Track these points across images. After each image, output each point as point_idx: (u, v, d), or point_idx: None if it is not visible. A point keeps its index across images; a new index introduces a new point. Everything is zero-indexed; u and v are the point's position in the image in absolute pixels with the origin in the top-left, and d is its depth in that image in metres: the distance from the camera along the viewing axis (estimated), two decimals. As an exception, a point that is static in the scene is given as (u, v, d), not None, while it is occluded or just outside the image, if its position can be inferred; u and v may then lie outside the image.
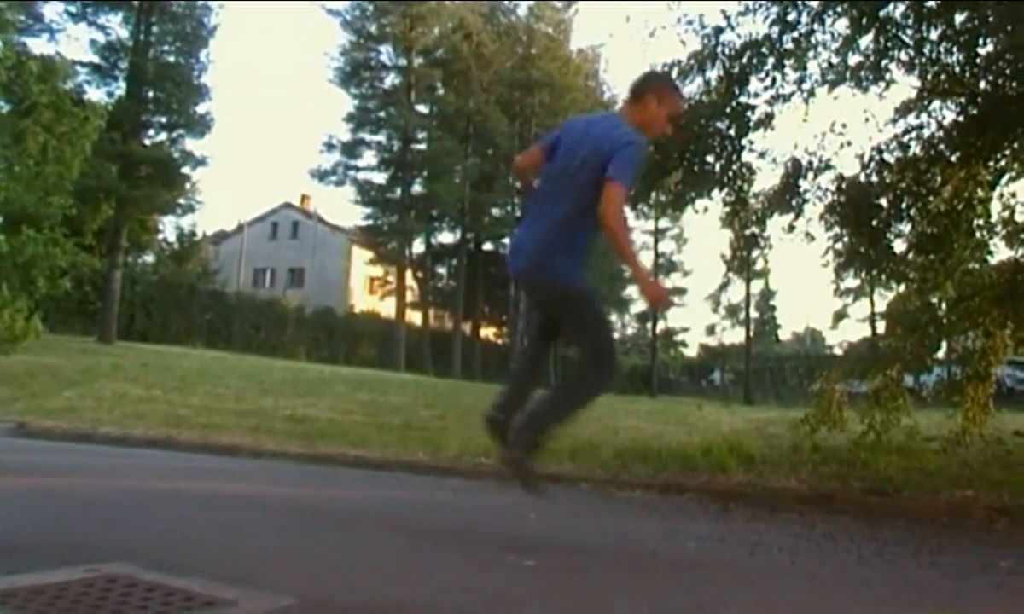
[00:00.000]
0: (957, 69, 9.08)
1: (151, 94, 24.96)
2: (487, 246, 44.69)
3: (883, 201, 9.41)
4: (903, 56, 9.19)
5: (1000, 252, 9.92)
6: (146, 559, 3.11)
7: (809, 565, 4.30)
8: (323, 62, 51.66)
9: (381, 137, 41.12)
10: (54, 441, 8.77)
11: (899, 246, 9.78)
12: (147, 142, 25.10)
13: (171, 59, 25.21)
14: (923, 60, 9.12)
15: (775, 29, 8.98)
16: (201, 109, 25.19)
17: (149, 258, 39.15)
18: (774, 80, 9.11)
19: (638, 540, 4.52)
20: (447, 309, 46.30)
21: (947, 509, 6.10)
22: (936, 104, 9.52)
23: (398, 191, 40.38)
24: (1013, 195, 9.70)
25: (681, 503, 6.44)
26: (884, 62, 9.07)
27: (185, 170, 25.53)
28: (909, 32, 9.04)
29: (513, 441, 4.07)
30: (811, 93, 9.26)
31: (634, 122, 4.15)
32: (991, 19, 8.02)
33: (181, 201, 27.06)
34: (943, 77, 9.20)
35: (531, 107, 43.02)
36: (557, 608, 3.10)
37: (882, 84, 9.23)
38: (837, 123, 9.38)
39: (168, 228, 40.93)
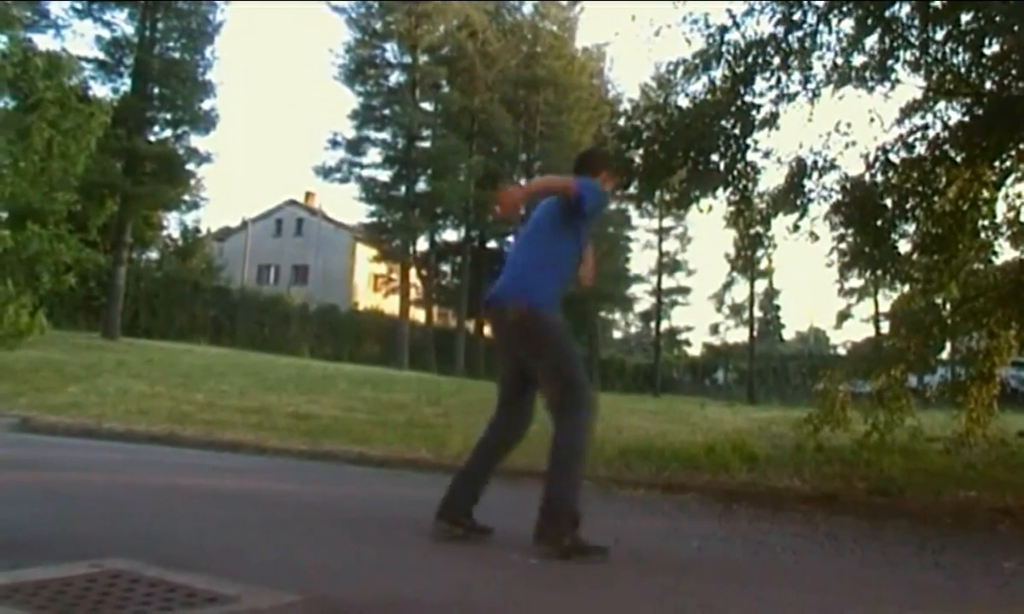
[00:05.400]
0: (963, 69, 9.06)
1: (156, 90, 24.94)
2: (491, 244, 44.61)
3: (888, 201, 9.40)
4: (909, 56, 9.18)
5: (1005, 253, 9.93)
6: (149, 555, 3.12)
7: (812, 565, 4.30)
8: (328, 59, 51.58)
9: (386, 135, 41.04)
10: (58, 436, 8.78)
11: (904, 246, 9.80)
12: (152, 138, 25.08)
13: (176, 55, 25.18)
14: (929, 60, 9.11)
15: (781, 29, 8.97)
16: (206, 105, 25.17)
17: (153, 254, 39.16)
18: (779, 79, 9.10)
19: (642, 539, 4.53)
20: (451, 307, 46.21)
21: (950, 510, 6.10)
22: (942, 104, 9.52)
23: (403, 189, 40.31)
24: (1019, 196, 9.70)
25: (684, 502, 6.43)
26: (890, 62, 9.06)
27: (190, 166, 25.51)
28: (915, 32, 9.02)
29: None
30: (816, 93, 9.25)
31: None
32: (997, 19, 8.01)
33: (186, 197, 27.01)
34: (949, 77, 9.18)
35: (536, 105, 42.90)
36: (560, 606, 3.10)
37: (887, 84, 9.22)
38: (842, 123, 9.38)
39: (172, 224, 40.90)
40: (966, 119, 9.24)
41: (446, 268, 47.21)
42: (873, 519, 5.84)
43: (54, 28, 23.63)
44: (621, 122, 10.00)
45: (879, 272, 10.38)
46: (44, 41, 22.55)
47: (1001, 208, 9.65)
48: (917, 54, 9.12)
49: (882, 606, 3.44)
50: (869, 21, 8.84)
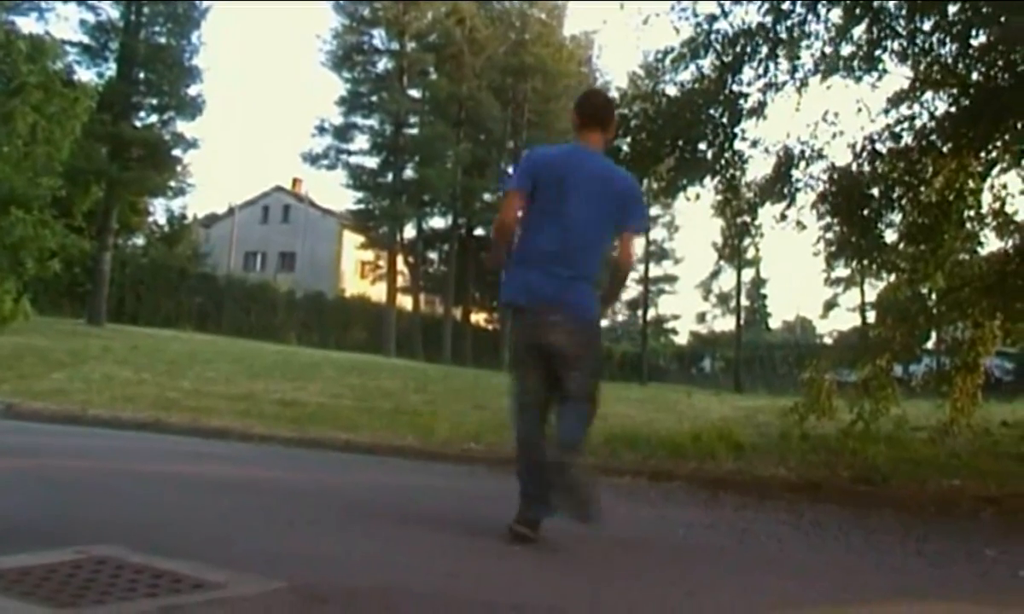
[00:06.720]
0: (950, 60, 9.08)
1: (142, 75, 24.77)
2: (478, 231, 44.51)
3: (875, 191, 9.42)
4: (896, 46, 9.18)
5: (990, 243, 9.95)
6: (134, 541, 3.10)
7: (797, 552, 4.33)
8: (315, 45, 51.36)
9: (373, 121, 40.96)
10: (42, 423, 8.74)
11: (890, 236, 9.81)
12: (138, 124, 24.92)
13: (162, 40, 24.99)
14: (916, 50, 9.12)
15: (769, 18, 8.96)
16: (192, 91, 25.03)
17: (139, 240, 38.95)
18: (767, 69, 9.10)
19: (627, 526, 4.54)
20: (438, 294, 46.19)
21: (934, 498, 6.13)
22: (928, 94, 9.52)
23: (390, 175, 40.23)
24: (1004, 186, 9.70)
25: (670, 490, 6.45)
26: (877, 52, 9.07)
27: (176, 152, 25.38)
28: (902, 22, 9.03)
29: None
30: (804, 82, 9.26)
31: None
32: (984, 10, 8.03)
33: (172, 183, 26.88)
34: (936, 68, 9.20)
35: (524, 93, 42.85)
36: (545, 593, 3.11)
37: (875, 74, 9.23)
38: (830, 112, 9.37)
39: (158, 210, 40.65)
40: (952, 109, 9.26)
41: (433, 255, 47.18)
42: (857, 507, 5.87)
43: (37, 11, 23.40)
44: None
45: (865, 261, 10.40)
46: (27, 24, 22.37)
47: (987, 198, 9.67)
48: (904, 44, 9.13)
49: (866, 593, 3.47)
50: (857, 11, 8.84)
